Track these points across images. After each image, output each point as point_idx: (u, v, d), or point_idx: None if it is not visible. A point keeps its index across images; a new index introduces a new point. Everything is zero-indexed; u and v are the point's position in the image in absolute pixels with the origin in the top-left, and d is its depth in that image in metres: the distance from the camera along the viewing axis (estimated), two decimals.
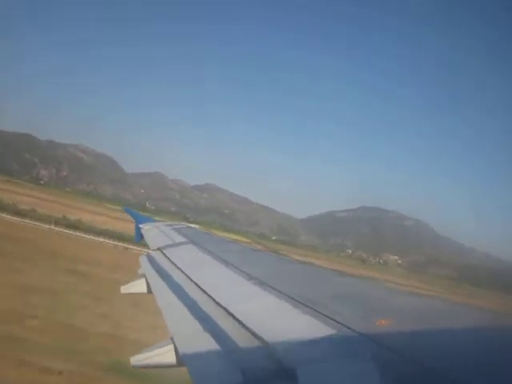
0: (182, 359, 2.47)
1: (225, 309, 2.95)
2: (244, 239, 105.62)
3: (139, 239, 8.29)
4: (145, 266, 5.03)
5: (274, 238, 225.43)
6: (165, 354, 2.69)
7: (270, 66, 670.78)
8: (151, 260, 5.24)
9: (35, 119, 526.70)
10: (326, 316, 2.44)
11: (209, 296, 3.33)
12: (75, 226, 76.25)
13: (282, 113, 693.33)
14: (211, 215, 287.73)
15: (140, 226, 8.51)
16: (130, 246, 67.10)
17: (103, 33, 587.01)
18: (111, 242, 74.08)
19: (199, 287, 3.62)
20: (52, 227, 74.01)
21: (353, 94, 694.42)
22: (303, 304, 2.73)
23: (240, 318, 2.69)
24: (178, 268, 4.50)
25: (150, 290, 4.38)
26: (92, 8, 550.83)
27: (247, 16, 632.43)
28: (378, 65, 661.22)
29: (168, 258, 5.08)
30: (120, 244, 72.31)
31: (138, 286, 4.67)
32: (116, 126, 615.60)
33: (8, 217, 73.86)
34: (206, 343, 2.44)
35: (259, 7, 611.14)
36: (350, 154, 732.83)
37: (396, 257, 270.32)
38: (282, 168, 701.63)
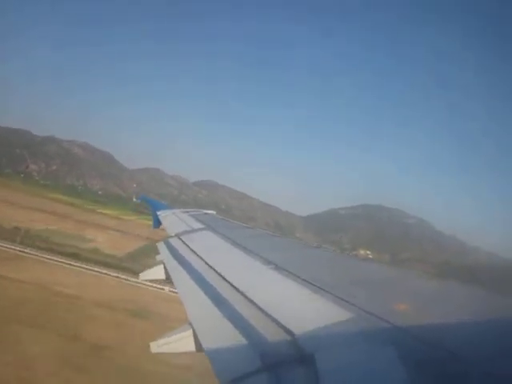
0: (201, 345, 2.45)
1: (243, 294, 2.93)
2: None
3: (157, 226, 8.49)
4: (163, 253, 5.10)
5: None
6: (184, 340, 2.69)
7: (271, 61, 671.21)
8: (169, 246, 5.31)
9: (36, 116, 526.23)
10: (345, 300, 2.41)
11: (227, 281, 3.29)
12: None
13: (287, 110, 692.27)
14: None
15: (158, 213, 8.85)
16: None
17: (102, 29, 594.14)
18: None
19: (217, 272, 3.59)
20: None
21: (354, 90, 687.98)
22: (321, 289, 2.70)
23: (258, 304, 2.66)
24: (196, 254, 4.54)
25: (168, 277, 4.46)
26: (92, 4, 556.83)
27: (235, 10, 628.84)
28: (383, 65, 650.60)
29: (186, 244, 5.16)
30: None
31: (157, 273, 4.76)
32: (119, 123, 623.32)
33: None
34: (224, 329, 2.43)
35: None
36: (356, 152, 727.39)
37: (368, 252, 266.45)
38: (286, 166, 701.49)
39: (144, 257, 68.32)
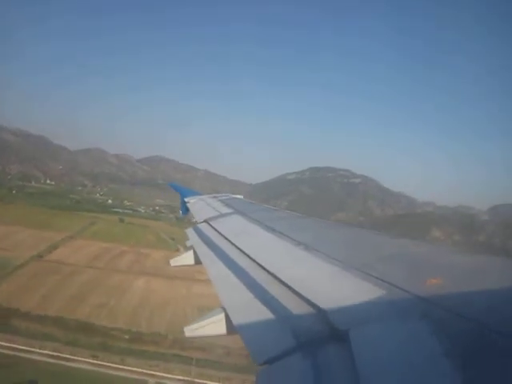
0: (234, 327, 2.48)
1: (274, 275, 2.94)
2: None
3: (185, 212, 8.42)
4: (193, 238, 5.16)
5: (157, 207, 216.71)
6: (216, 323, 2.77)
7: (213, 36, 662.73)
8: (199, 232, 5.37)
9: None
10: (376, 277, 2.41)
11: (257, 264, 3.33)
12: None
13: (234, 77, 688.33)
14: (144, 186, 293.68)
15: (185, 199, 8.68)
16: None
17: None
18: None
19: (247, 255, 3.65)
20: None
21: (301, 52, 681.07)
22: (352, 266, 2.72)
23: (290, 284, 2.67)
24: (226, 238, 4.58)
25: (197, 262, 4.58)
26: None
27: None
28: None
29: (215, 229, 5.17)
30: None
31: (187, 259, 4.89)
32: (66, 105, 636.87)
33: None
34: (256, 310, 2.47)
35: None
36: (305, 115, 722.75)
37: None
38: (240, 135, 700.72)
39: None
